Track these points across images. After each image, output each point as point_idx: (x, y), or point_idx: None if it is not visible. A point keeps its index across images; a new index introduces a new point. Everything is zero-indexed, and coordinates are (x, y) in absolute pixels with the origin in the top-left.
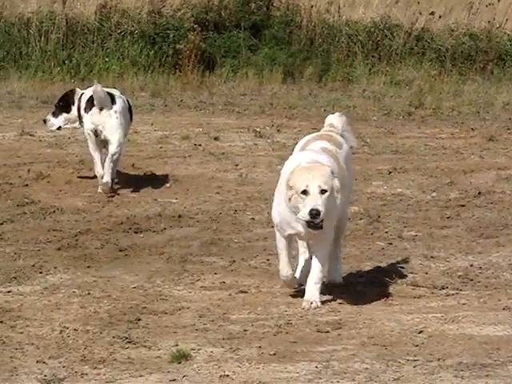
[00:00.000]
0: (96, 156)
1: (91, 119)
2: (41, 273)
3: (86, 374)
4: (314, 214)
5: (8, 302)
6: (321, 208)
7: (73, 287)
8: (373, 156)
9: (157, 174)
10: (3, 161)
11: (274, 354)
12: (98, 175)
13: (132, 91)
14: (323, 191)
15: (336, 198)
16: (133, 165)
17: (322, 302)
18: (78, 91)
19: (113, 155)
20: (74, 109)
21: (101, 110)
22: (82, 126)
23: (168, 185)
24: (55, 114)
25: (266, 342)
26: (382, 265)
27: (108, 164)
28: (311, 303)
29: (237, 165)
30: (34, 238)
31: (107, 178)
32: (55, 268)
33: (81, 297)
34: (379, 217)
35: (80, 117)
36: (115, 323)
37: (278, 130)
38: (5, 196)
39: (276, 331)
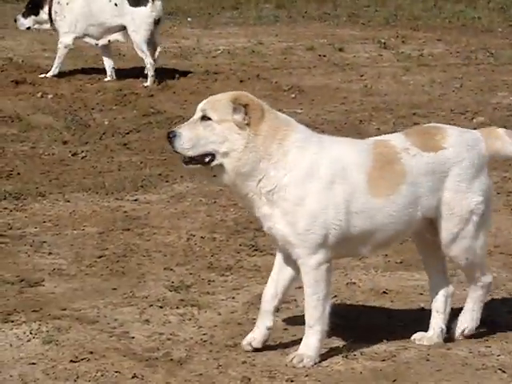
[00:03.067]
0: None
1: (153, 10)
2: (167, 181)
3: (213, 281)
4: (169, 135)
5: (135, 210)
6: (178, 131)
7: (199, 196)
8: (498, 67)
9: (282, 84)
10: (129, 72)
11: (401, 263)
12: (152, 65)
13: (256, 3)
14: (204, 118)
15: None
16: (258, 75)
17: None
18: None
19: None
20: (43, 12)
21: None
22: (54, 29)
23: (293, 95)
24: (25, 15)
25: (393, 250)
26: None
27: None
28: (301, 360)
29: (362, 75)
30: (159, 147)
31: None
32: (181, 177)
33: (207, 205)
34: (505, 127)
35: (51, 19)
36: (241, 231)
37: (403, 41)
38: (131, 106)
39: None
